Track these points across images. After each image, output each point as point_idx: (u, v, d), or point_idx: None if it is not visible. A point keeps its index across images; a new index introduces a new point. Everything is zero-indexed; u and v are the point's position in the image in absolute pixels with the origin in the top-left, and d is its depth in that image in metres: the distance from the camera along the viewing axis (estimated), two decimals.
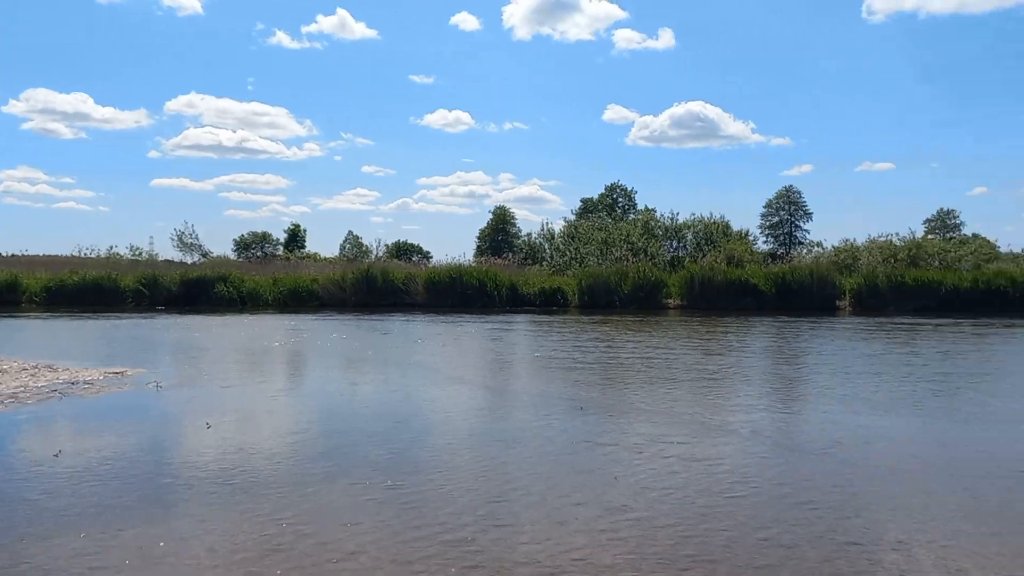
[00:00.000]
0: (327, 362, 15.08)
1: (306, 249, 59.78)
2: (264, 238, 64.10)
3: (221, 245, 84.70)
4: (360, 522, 5.36)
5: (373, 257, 44.17)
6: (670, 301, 31.17)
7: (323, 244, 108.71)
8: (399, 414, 9.43)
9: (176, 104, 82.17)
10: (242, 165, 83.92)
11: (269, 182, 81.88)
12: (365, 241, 58.16)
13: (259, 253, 59.11)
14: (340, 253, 56.73)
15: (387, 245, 52.60)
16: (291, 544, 4.94)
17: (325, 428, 8.71)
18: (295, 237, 64.01)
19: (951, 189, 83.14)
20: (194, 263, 41.59)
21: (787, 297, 29.90)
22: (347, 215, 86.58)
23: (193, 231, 47.10)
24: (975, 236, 46.24)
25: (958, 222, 60.21)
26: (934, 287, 29.06)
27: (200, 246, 46.64)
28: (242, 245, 62.54)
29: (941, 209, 62.11)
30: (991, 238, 42.63)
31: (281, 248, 61.25)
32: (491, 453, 7.37)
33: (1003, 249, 38.26)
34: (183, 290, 32.91)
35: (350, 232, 64.92)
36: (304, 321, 25.16)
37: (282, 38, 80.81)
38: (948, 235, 51.60)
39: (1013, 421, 8.86)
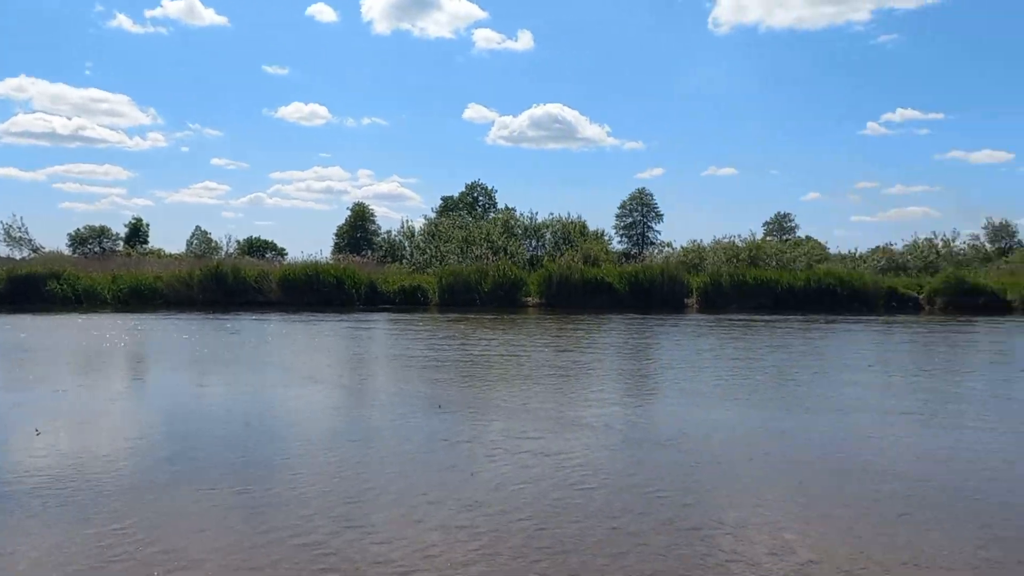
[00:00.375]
0: (172, 363, 14.35)
1: (149, 245, 56.61)
2: (102, 232, 60.25)
3: (54, 240, 78.63)
4: (206, 528, 5.13)
5: (223, 254, 42.42)
6: (529, 299, 31.69)
7: (168, 240, 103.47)
8: (249, 416, 9.09)
9: (3, 87, 75.48)
10: (78, 155, 78.65)
11: (108, 173, 77.04)
12: (215, 237, 55.83)
13: (97, 248, 55.50)
14: (187, 249, 54.14)
15: (238, 241, 50.70)
16: (130, 554, 4.66)
17: (169, 432, 8.28)
18: (137, 232, 60.54)
19: (787, 194, 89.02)
20: (23, 258, 38.50)
21: (640, 295, 31.07)
22: (195, 209, 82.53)
23: (22, 224, 43.72)
24: (808, 238, 49.82)
25: (793, 225, 64.67)
26: (771, 286, 31.03)
27: (30, 240, 43.30)
28: (78, 240, 58.50)
29: (778, 213, 66.48)
30: (822, 240, 46.02)
31: (121, 243, 57.75)
32: (346, 453, 7.24)
33: (832, 251, 41.46)
34: (10, 288, 30.39)
35: (198, 227, 62.13)
36: (147, 321, 23.81)
37: (123, 21, 76.20)
38: (784, 237, 55.30)
39: (839, 411, 9.58)
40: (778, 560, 4.66)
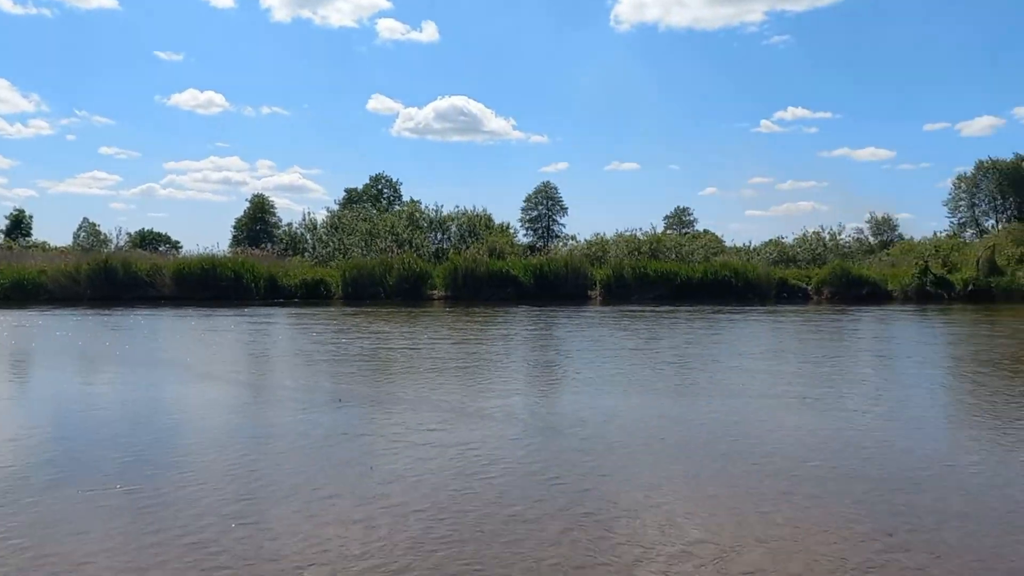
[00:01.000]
0: (56, 361, 13.66)
1: (32, 237, 53.76)
2: None
3: None
4: (89, 531, 4.93)
5: (113, 247, 40.53)
6: (435, 292, 31.59)
7: (54, 232, 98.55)
8: (138, 415, 8.76)
9: None
10: None
11: None
12: (104, 229, 53.39)
13: None
14: (74, 242, 51.67)
15: (129, 234, 48.75)
16: (4, 559, 4.44)
17: (51, 433, 7.89)
18: (19, 224, 57.41)
19: (686, 188, 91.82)
20: None
21: (545, 288, 31.42)
22: (82, 200, 78.95)
23: None
24: (705, 231, 51.47)
25: (692, 219, 66.81)
26: (671, 277, 31.91)
27: None
28: None
29: (678, 207, 68.52)
30: (719, 234, 47.63)
31: (1, 236, 54.58)
32: (241, 451, 7.07)
33: (728, 244, 43.02)
34: None
35: (85, 219, 59.41)
36: (30, 317, 22.59)
37: (2, 1, 71.79)
38: (683, 230, 56.92)
39: (729, 396, 9.95)
40: (667, 540, 4.83)
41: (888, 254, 40.86)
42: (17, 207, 60.34)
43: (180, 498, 5.60)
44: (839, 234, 41.87)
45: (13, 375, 12.42)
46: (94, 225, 56.92)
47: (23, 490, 5.76)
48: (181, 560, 4.46)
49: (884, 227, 53.64)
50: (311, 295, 31.09)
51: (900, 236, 51.17)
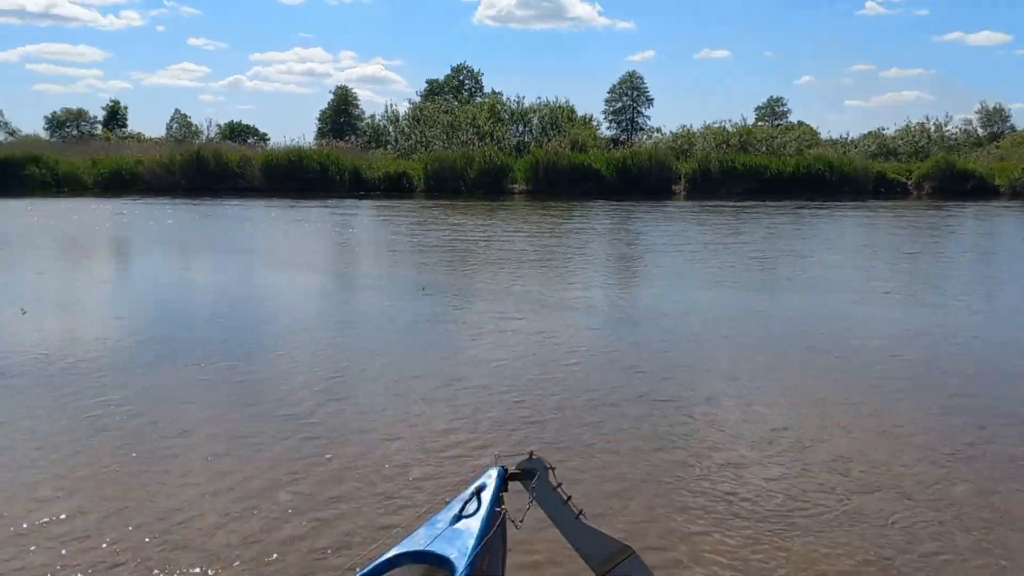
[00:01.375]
0: (156, 248, 14.30)
1: (128, 128, 55.28)
2: (80, 116, 58.61)
3: (31, 123, 76.61)
4: (192, 401, 5.24)
5: (204, 138, 41.49)
6: (516, 186, 31.41)
7: (148, 123, 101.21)
8: (234, 299, 9.16)
9: None
10: (51, 34, 75.97)
11: (83, 54, 74.66)
12: (194, 121, 54.38)
13: (75, 132, 54.18)
14: (167, 133, 52.87)
15: (219, 126, 49.52)
16: (119, 424, 4.78)
17: (155, 313, 8.35)
18: (115, 115, 58.93)
19: (781, 78, 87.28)
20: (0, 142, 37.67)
21: (628, 182, 30.81)
22: (173, 92, 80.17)
23: None
24: (800, 123, 49.03)
25: (786, 110, 63.46)
26: (760, 171, 30.83)
27: (6, 124, 42.30)
28: (55, 123, 56.97)
29: (771, 97, 65.11)
30: (814, 125, 45.29)
31: (100, 127, 56.36)
32: (330, 334, 7.33)
33: (824, 136, 40.87)
34: None
35: (177, 110, 60.42)
36: (128, 205, 23.59)
37: None
38: (776, 122, 54.41)
39: (818, 292, 9.71)
40: (748, 427, 4.83)
41: (997, 147, 38.27)
42: (113, 99, 61.98)
43: (274, 374, 5.88)
44: (945, 126, 39.33)
45: (115, 260, 13.09)
46: (186, 116, 58.05)
47: (132, 364, 6.14)
48: (277, 430, 4.71)
49: (995, 118, 49.97)
50: (393, 188, 31.36)
51: (1012, 128, 47.70)
